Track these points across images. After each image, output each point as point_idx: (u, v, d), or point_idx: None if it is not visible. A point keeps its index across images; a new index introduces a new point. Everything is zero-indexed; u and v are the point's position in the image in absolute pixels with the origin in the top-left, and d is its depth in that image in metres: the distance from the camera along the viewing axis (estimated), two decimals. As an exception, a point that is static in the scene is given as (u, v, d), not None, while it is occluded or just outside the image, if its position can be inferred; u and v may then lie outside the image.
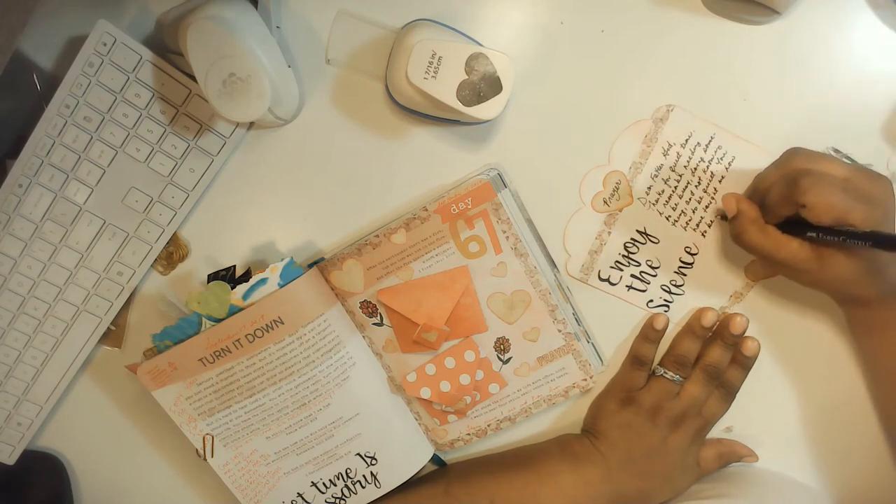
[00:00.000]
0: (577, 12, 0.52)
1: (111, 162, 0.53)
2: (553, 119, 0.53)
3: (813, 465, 0.57)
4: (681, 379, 0.54)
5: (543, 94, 0.53)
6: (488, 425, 0.58)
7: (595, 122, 0.53)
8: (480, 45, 0.49)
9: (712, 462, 0.55)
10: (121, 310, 0.57)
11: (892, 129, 0.51)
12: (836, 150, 0.51)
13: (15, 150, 0.53)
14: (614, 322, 0.56)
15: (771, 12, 0.49)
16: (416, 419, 0.58)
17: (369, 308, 0.55)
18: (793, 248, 0.46)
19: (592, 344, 0.56)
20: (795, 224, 0.46)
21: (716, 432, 0.57)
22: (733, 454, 0.56)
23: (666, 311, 0.55)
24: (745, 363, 0.53)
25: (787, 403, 0.56)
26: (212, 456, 0.57)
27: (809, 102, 0.52)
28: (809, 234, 0.45)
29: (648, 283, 0.55)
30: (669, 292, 0.55)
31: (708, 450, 0.55)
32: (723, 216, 0.53)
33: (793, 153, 0.47)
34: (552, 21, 0.52)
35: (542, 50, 0.52)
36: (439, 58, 0.46)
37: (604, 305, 0.56)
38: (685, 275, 0.55)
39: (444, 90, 0.46)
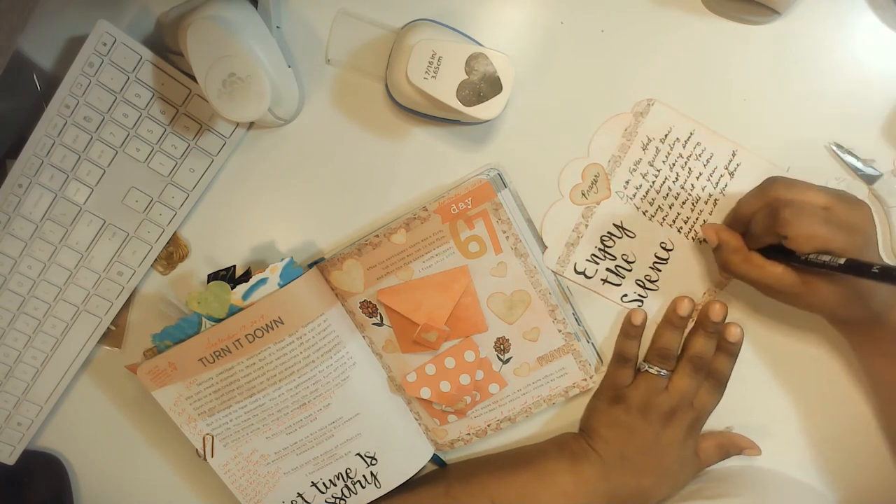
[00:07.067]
0: (577, 12, 0.52)
1: (111, 162, 0.53)
2: (553, 119, 0.53)
3: (815, 464, 0.57)
4: (666, 373, 0.54)
5: (543, 94, 0.53)
6: (488, 425, 0.58)
7: (592, 120, 0.53)
8: (480, 45, 0.49)
9: (713, 453, 0.55)
10: (121, 310, 0.57)
11: (893, 128, 0.51)
12: (839, 146, 0.51)
13: (15, 150, 0.53)
14: (616, 322, 0.56)
15: (771, 12, 0.49)
16: (416, 419, 0.58)
17: (369, 308, 0.55)
18: (778, 273, 0.46)
19: (592, 344, 0.56)
20: (780, 249, 0.46)
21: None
22: (734, 445, 0.56)
23: (640, 306, 0.55)
24: (730, 350, 0.53)
25: (787, 402, 0.56)
26: (212, 456, 0.57)
27: (809, 102, 0.51)
28: (793, 260, 0.45)
29: (623, 278, 0.55)
30: (644, 287, 0.55)
31: (707, 441, 0.55)
32: (703, 240, 0.53)
33: (771, 182, 0.47)
34: (552, 21, 0.52)
35: (541, 50, 0.52)
36: (439, 58, 0.46)
37: (604, 305, 0.56)
38: (660, 270, 0.55)
39: (444, 90, 0.46)
